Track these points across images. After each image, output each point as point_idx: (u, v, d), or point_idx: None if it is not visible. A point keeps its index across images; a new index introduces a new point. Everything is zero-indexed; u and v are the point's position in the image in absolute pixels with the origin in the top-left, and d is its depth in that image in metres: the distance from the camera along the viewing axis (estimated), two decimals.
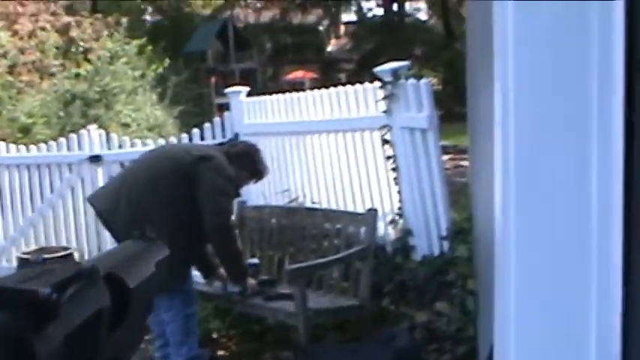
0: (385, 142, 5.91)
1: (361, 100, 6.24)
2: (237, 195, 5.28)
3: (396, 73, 5.74)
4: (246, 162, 5.11)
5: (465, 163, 12.51)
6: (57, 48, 16.96)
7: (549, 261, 2.68)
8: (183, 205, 4.71)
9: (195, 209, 4.71)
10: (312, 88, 7.38)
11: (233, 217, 7.51)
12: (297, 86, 24.15)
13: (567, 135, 2.66)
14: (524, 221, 2.69)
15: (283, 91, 7.82)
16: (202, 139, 7.97)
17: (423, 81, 5.55)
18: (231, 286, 5.47)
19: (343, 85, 6.88)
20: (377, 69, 5.96)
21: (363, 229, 5.49)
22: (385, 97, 5.82)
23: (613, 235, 2.62)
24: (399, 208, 5.92)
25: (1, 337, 0.59)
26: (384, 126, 5.87)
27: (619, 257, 2.62)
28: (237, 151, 5.10)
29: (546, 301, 2.72)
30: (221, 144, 7.52)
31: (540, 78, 2.65)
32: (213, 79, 24.86)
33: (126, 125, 15.99)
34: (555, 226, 2.68)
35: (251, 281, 5.37)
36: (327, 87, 7.03)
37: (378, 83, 5.99)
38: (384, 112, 5.84)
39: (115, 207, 4.78)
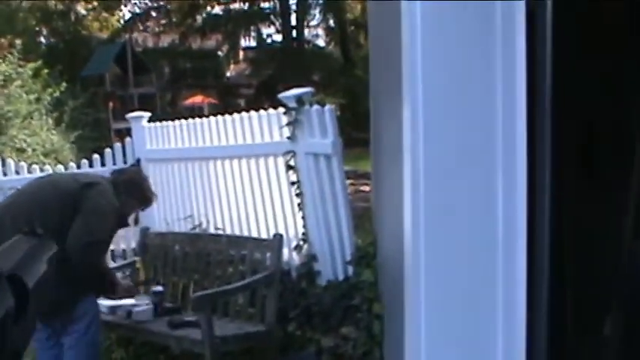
0: (290, 167, 5.92)
1: (265, 125, 6.25)
2: (124, 224, 5.27)
3: (300, 99, 5.76)
4: (134, 189, 5.09)
5: (365, 187, 12.66)
6: None
7: (458, 282, 2.74)
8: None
9: None
10: (211, 114, 7.37)
11: (132, 244, 7.42)
12: (196, 111, 24.05)
13: (475, 159, 2.73)
14: (433, 243, 2.75)
15: (182, 117, 7.79)
16: (103, 164, 7.86)
17: (327, 107, 5.60)
18: (136, 314, 5.41)
19: (242, 111, 6.88)
20: (281, 95, 5.98)
21: (268, 255, 5.49)
22: (289, 123, 5.84)
23: (517, 255, 2.70)
24: (304, 234, 5.93)
25: None
26: (289, 152, 5.88)
27: (523, 276, 2.70)
28: (125, 179, 5.10)
29: (455, 322, 2.78)
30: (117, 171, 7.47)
31: (449, 104, 2.71)
32: (111, 104, 24.49)
33: (21, 150, 15.63)
34: (463, 247, 2.74)
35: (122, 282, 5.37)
36: (226, 113, 7.02)
37: (281, 109, 6.00)
38: (289, 137, 5.86)
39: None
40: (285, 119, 5.92)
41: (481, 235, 2.66)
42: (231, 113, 6.91)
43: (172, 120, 7.76)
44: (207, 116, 7.40)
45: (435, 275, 2.73)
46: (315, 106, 5.67)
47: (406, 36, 2.74)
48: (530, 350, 2.64)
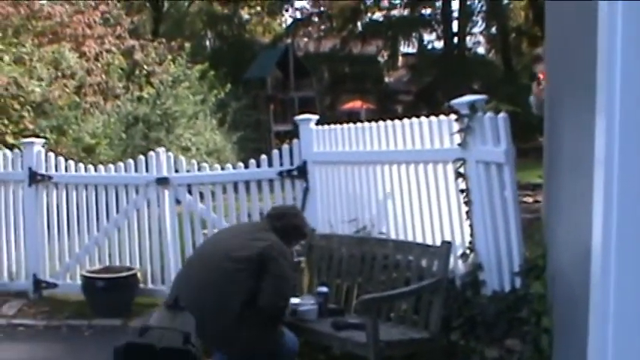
0: (459, 175, 5.86)
1: (435, 131, 6.21)
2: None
3: (472, 106, 5.69)
4: (296, 233, 5.60)
5: (528, 199, 12.40)
6: (122, 70, 17.23)
7: None
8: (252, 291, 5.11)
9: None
10: (368, 119, 7.40)
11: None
12: (353, 116, 24.21)
13: None
14: (625, 258, 2.63)
15: (341, 121, 7.85)
16: (270, 165, 8.02)
17: (501, 115, 5.50)
18: (301, 313, 5.51)
19: (400, 117, 6.87)
20: (453, 101, 5.92)
21: (435, 262, 5.45)
22: (461, 130, 5.78)
23: None
24: (470, 242, 5.85)
25: None
26: (459, 159, 5.82)
27: None
28: (286, 225, 5.47)
29: None
30: (282, 173, 7.67)
31: None
32: (272, 106, 25.02)
33: (186, 149, 16.16)
34: None
35: None
36: (383, 119, 7.02)
37: (452, 115, 5.95)
38: (460, 144, 5.80)
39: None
40: (456, 126, 5.86)
41: None
42: (390, 120, 6.92)
43: (330, 124, 7.83)
44: (363, 121, 7.43)
45: (625, 292, 2.61)
46: (489, 114, 5.58)
47: (603, 41, 2.63)
48: None
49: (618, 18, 2.48)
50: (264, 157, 8.14)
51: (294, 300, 5.55)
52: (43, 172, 8.66)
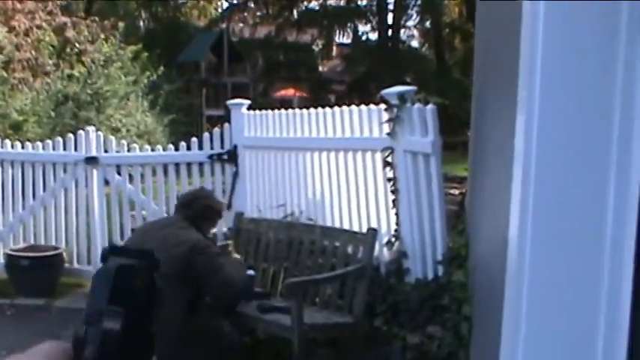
0: (387, 164, 5.95)
1: (365, 120, 6.29)
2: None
3: (402, 97, 5.79)
4: (211, 213, 5.48)
5: (454, 191, 12.62)
6: (52, 47, 16.95)
7: (562, 288, 2.73)
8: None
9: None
10: (300, 107, 7.45)
11: (223, 228, 7.59)
12: (285, 104, 24.22)
13: (587, 166, 2.71)
14: (540, 247, 2.74)
15: (273, 108, 7.87)
16: (200, 148, 8.02)
17: (430, 106, 5.61)
18: None
19: (332, 106, 6.93)
20: (384, 91, 6.02)
21: (361, 248, 5.54)
22: (390, 120, 5.87)
23: (624, 263, 2.67)
24: (396, 230, 5.96)
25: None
26: (387, 148, 5.92)
27: (629, 284, 2.67)
28: (199, 209, 5.38)
29: (557, 328, 2.77)
30: (212, 156, 7.69)
31: (565, 109, 2.70)
32: (204, 91, 24.89)
33: (116, 130, 16.00)
34: (571, 253, 2.73)
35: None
36: (316, 107, 7.07)
37: (382, 105, 6.04)
38: (388, 134, 5.89)
39: None
40: (385, 115, 5.95)
41: (589, 242, 2.65)
42: (321, 107, 6.98)
43: (262, 110, 7.86)
44: (295, 109, 7.48)
45: (539, 280, 2.72)
46: (417, 105, 5.69)
47: (525, 38, 2.73)
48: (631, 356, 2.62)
49: (540, 17, 2.58)
50: (194, 140, 8.14)
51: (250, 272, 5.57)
52: None
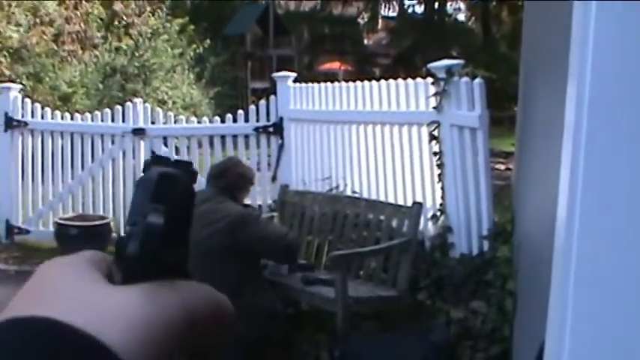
0: (433, 137, 5.93)
1: (412, 94, 6.27)
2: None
3: (449, 70, 5.76)
4: (243, 182, 5.40)
5: (500, 166, 12.54)
6: (101, 19, 17.09)
7: (610, 268, 2.71)
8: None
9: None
10: (346, 81, 7.43)
11: (268, 200, 7.62)
12: (330, 77, 24.15)
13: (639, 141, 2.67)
14: (589, 228, 2.71)
15: (318, 81, 7.86)
16: (247, 120, 8.06)
17: (477, 80, 5.57)
18: (271, 267, 5.57)
19: (377, 79, 6.90)
20: (431, 65, 5.98)
21: (406, 222, 5.53)
22: (437, 94, 5.85)
23: None
24: (441, 205, 5.95)
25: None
26: (433, 122, 5.89)
27: None
28: (231, 181, 5.31)
29: (605, 307, 2.75)
30: (258, 128, 7.70)
31: (619, 83, 2.66)
32: (250, 64, 24.93)
33: (162, 102, 16.12)
34: (621, 235, 2.70)
35: None
36: (361, 80, 7.05)
37: (429, 79, 6.01)
38: (435, 108, 5.87)
39: None
40: (432, 89, 5.92)
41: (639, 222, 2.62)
42: (367, 80, 6.96)
43: (308, 83, 7.85)
44: (341, 82, 7.46)
45: (587, 259, 2.69)
46: (465, 78, 5.65)
47: (578, 13, 2.68)
48: None
49: None
50: (240, 112, 8.17)
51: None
52: (19, 118, 8.63)
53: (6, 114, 8.60)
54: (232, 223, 5.04)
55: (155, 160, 0.63)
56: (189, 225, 0.63)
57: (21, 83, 11.22)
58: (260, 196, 7.93)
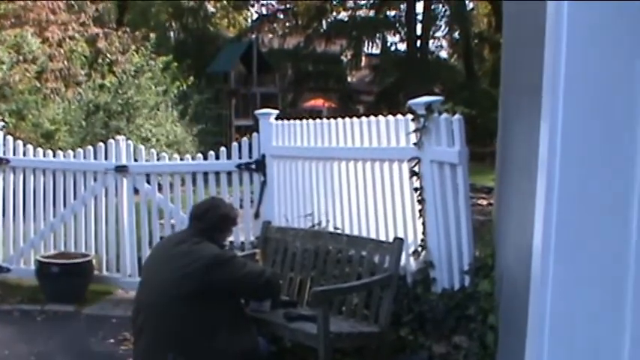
0: (414, 173, 5.97)
1: (392, 130, 6.31)
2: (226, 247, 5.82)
3: (429, 107, 5.81)
4: (223, 223, 5.42)
5: (482, 201, 12.59)
6: (85, 57, 17.16)
7: (586, 300, 2.72)
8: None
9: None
10: (329, 118, 7.46)
11: (251, 237, 7.62)
12: (314, 114, 24.30)
13: (611, 178, 2.70)
14: (564, 258, 2.74)
15: (302, 118, 7.89)
16: (229, 157, 8.07)
17: (456, 116, 5.62)
18: (253, 304, 5.56)
19: (361, 116, 6.94)
20: (411, 101, 6.03)
21: (387, 258, 5.55)
22: (417, 130, 5.89)
23: None
24: (422, 240, 5.97)
25: None
26: (414, 158, 5.93)
27: None
28: (213, 222, 5.34)
29: (580, 340, 2.76)
30: (240, 165, 7.72)
31: (589, 119, 2.69)
32: (233, 101, 25.02)
33: (146, 139, 16.16)
34: (594, 265, 2.72)
35: None
36: (344, 117, 7.09)
37: (409, 115, 6.06)
38: (415, 144, 5.91)
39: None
40: (412, 126, 5.97)
41: (613, 252, 2.64)
42: (348, 117, 7.00)
43: (291, 120, 7.88)
44: (326, 119, 7.50)
45: (562, 291, 2.72)
46: (444, 115, 5.70)
47: (550, 43, 2.71)
48: None
49: (564, 18, 2.57)
50: (223, 149, 8.19)
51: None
52: (0, 155, 8.63)
53: None
54: (207, 266, 5.02)
55: None
56: None
57: (3, 120, 11.21)
58: (243, 232, 7.94)
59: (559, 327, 2.65)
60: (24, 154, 8.67)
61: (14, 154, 8.66)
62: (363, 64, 34.22)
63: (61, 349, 6.65)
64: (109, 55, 18.40)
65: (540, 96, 2.85)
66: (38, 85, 14.87)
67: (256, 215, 7.92)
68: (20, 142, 8.85)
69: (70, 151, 8.81)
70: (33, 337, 6.92)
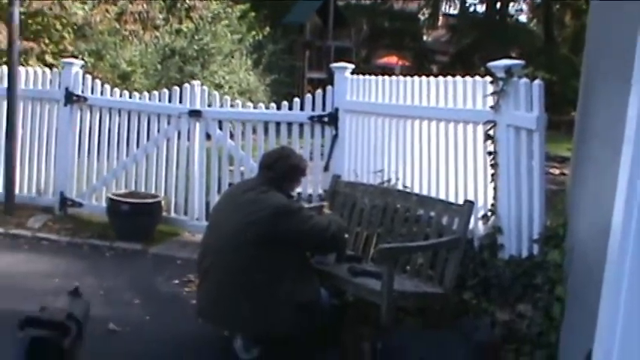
0: (488, 137, 5.88)
1: (469, 92, 6.23)
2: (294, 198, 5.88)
3: (509, 70, 5.70)
4: (295, 173, 5.52)
5: (554, 170, 12.40)
6: (163, 1, 17.24)
7: None
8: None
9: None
10: (403, 75, 7.38)
11: (319, 190, 7.63)
12: (387, 71, 24.08)
13: None
14: None
15: (375, 74, 7.82)
16: (302, 109, 8.08)
17: (537, 81, 5.50)
18: (319, 256, 5.59)
19: (434, 76, 6.85)
20: (490, 64, 5.92)
21: (456, 220, 5.50)
22: (495, 93, 5.80)
23: None
24: (493, 205, 5.90)
25: None
26: (490, 121, 5.85)
27: None
28: (283, 172, 5.40)
29: None
30: (313, 117, 7.70)
31: None
32: (307, 53, 24.93)
33: (219, 86, 16.22)
34: None
35: None
36: (419, 75, 7.00)
37: (487, 78, 5.96)
38: (492, 107, 5.82)
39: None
40: (490, 88, 5.88)
41: None
42: (424, 76, 6.92)
43: (364, 75, 7.82)
44: (399, 76, 7.42)
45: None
46: (524, 79, 5.59)
47: None
48: None
49: None
50: (296, 100, 8.20)
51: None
52: (79, 93, 8.79)
53: (67, 89, 8.76)
54: (273, 214, 5.07)
55: (28, 321, 0.64)
56: None
57: (82, 59, 11.38)
58: (311, 184, 7.97)
59: (634, 309, 2.58)
60: (101, 94, 8.82)
61: (92, 92, 8.81)
62: (440, 23, 33.71)
63: (128, 285, 6.79)
64: (187, 1, 18.44)
65: (631, 69, 2.76)
66: (117, 26, 15.01)
67: (326, 168, 7.92)
68: (98, 82, 8.98)
69: (146, 93, 8.92)
70: (102, 272, 7.08)
